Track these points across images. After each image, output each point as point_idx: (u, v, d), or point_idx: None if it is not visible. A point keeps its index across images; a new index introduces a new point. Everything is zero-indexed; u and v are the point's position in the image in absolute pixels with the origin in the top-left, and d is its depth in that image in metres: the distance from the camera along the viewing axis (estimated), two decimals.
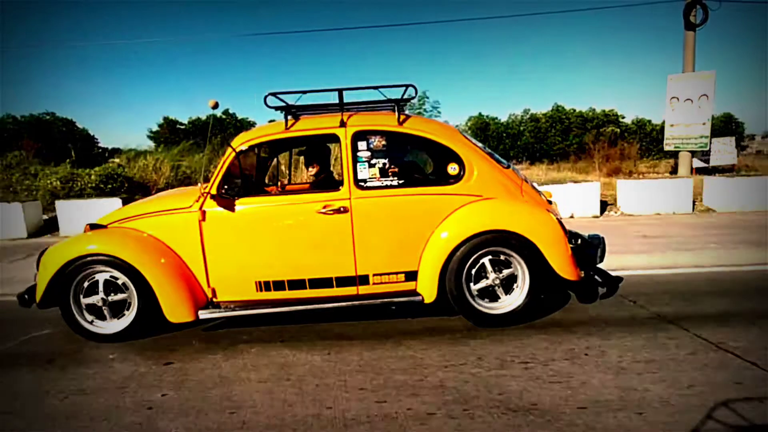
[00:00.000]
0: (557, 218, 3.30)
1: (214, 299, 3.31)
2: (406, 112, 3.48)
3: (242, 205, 3.23)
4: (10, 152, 13.54)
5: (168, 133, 21.45)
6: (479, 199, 3.28)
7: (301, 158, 4.36)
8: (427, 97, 15.62)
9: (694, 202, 8.36)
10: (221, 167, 3.24)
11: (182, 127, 23.29)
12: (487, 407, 2.25)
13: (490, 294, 3.29)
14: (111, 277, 3.20)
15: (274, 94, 3.26)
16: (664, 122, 13.43)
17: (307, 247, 3.23)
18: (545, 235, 3.19)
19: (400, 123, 3.31)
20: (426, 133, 3.35)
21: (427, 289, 3.21)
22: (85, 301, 3.22)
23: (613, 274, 3.80)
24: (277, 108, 3.36)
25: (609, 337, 3.02)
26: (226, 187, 3.22)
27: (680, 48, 12.01)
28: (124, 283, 3.20)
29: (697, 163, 13.03)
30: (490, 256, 3.21)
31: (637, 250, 5.55)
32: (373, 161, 3.26)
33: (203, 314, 3.20)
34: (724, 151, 13.03)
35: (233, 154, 3.22)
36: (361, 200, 3.21)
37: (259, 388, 2.55)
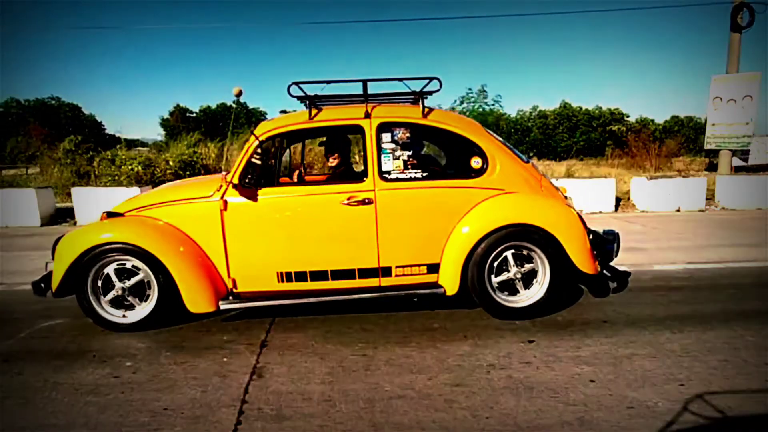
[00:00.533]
0: (577, 213, 3.35)
1: (234, 290, 3.28)
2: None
3: (265, 195, 3.19)
4: (19, 137, 13.02)
5: (179, 122, 21.08)
6: (501, 193, 3.31)
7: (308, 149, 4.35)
8: (485, 90, 15.42)
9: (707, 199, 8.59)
10: (243, 156, 3.20)
11: (192, 115, 22.89)
12: None
13: (509, 287, 3.33)
14: (133, 266, 3.14)
15: (297, 84, 3.22)
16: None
17: (331, 238, 3.22)
18: (567, 230, 3.23)
19: (425, 115, 3.31)
20: (450, 126, 3.35)
21: (450, 281, 3.23)
22: (106, 297, 3.16)
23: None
24: (299, 98, 3.32)
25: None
26: (249, 176, 3.18)
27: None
28: (143, 271, 3.15)
29: (736, 162, 13.16)
30: (513, 250, 3.24)
31: None
32: (398, 153, 3.26)
33: (224, 305, 3.18)
34: (762, 150, 13.28)
35: (256, 143, 3.18)
36: (385, 192, 3.20)
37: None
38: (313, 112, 3.27)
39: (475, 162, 3.33)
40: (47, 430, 2.12)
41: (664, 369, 2.56)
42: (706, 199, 8.52)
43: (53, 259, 3.21)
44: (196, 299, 3.12)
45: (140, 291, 3.21)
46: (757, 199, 8.45)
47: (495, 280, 3.26)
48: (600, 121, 22.28)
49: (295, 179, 4.00)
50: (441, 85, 3.31)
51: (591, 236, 3.45)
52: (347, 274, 3.26)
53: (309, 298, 3.22)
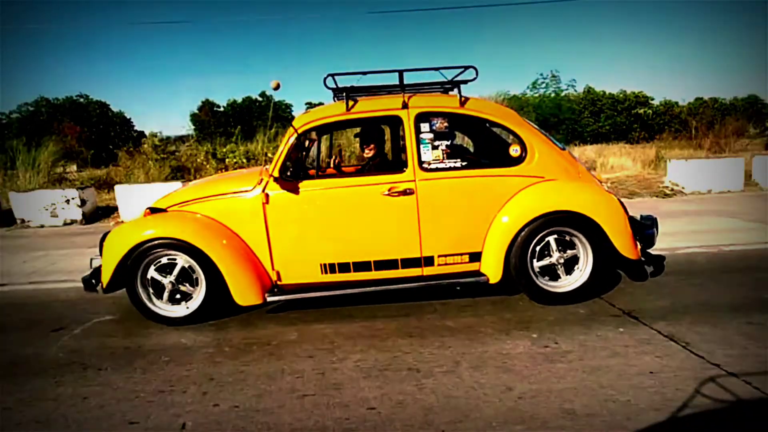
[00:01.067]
0: (618, 198, 3.34)
1: (278, 282, 3.33)
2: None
3: (306, 187, 3.22)
4: (53, 136, 12.98)
5: (210, 117, 21.15)
6: (541, 181, 3.30)
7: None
8: (556, 75, 15.08)
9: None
10: (283, 149, 3.22)
11: (219, 109, 22.94)
12: None
13: (550, 272, 3.34)
14: (181, 261, 3.19)
15: (332, 75, 3.23)
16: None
17: (373, 228, 3.24)
18: (609, 216, 3.22)
19: (462, 104, 3.30)
20: (488, 114, 3.35)
21: (492, 269, 3.25)
22: (154, 275, 3.21)
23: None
24: (335, 89, 3.33)
25: None
26: (291, 169, 3.20)
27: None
28: (191, 267, 3.20)
29: None
30: (555, 235, 3.25)
31: None
32: (436, 143, 3.26)
33: (271, 297, 3.23)
34: None
35: (295, 135, 3.20)
36: (425, 182, 3.22)
37: None
38: (350, 103, 3.27)
39: (514, 150, 3.33)
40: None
41: None
42: None
43: (101, 254, 3.28)
44: (244, 292, 3.17)
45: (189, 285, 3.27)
46: None
47: (537, 264, 3.27)
48: (625, 105, 21.92)
49: (333, 170, 4.02)
50: (477, 74, 3.30)
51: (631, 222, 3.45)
52: (390, 264, 3.29)
53: (353, 289, 3.27)
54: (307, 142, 3.89)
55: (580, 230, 3.22)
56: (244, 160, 9.76)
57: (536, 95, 14.63)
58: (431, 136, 3.25)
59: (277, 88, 3.12)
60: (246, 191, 3.26)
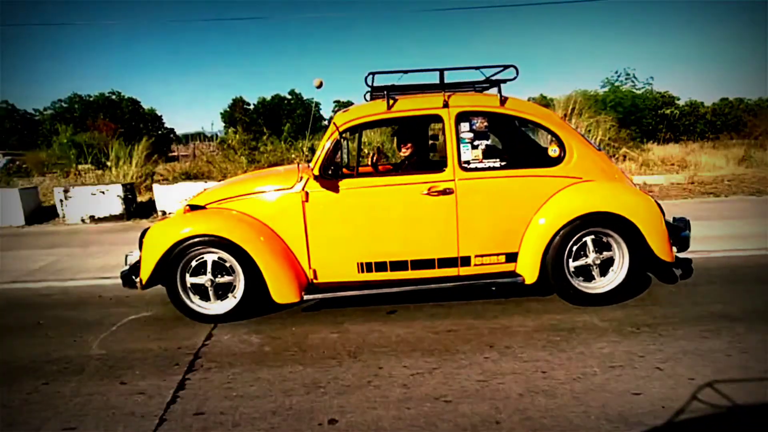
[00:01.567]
0: (655, 200, 3.35)
1: (314, 281, 3.33)
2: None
3: (346, 185, 3.22)
4: (88, 133, 13.17)
5: (243, 114, 21.20)
6: (579, 181, 3.31)
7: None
8: (629, 74, 14.85)
9: None
10: (325, 147, 3.22)
11: (249, 107, 22.98)
12: None
13: (584, 273, 3.35)
14: (219, 258, 3.20)
15: (373, 74, 3.22)
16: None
17: (411, 228, 3.25)
18: (646, 217, 3.23)
19: (502, 104, 3.30)
20: (528, 114, 3.34)
21: (529, 269, 3.26)
22: (191, 280, 3.22)
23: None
24: (375, 88, 3.32)
25: None
26: (332, 168, 3.21)
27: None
28: (230, 265, 3.21)
29: None
30: (592, 236, 3.26)
31: None
32: (476, 142, 3.26)
33: (308, 295, 3.23)
34: None
35: (337, 133, 3.20)
36: (465, 182, 3.22)
37: None
38: (390, 102, 3.27)
39: (553, 150, 3.33)
40: None
41: None
42: None
43: (140, 250, 3.29)
44: (282, 290, 3.18)
45: (226, 283, 3.27)
46: None
47: (572, 264, 3.28)
48: (651, 105, 21.75)
49: (369, 168, 4.02)
50: (518, 73, 3.30)
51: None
52: (427, 263, 3.30)
53: (389, 288, 3.27)
54: (346, 140, 3.89)
55: (618, 231, 3.23)
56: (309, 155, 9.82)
57: (612, 92, 14.42)
58: (471, 135, 3.26)
59: (320, 86, 3.12)
60: (286, 189, 3.26)
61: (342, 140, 4.17)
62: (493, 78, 3.38)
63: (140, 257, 3.28)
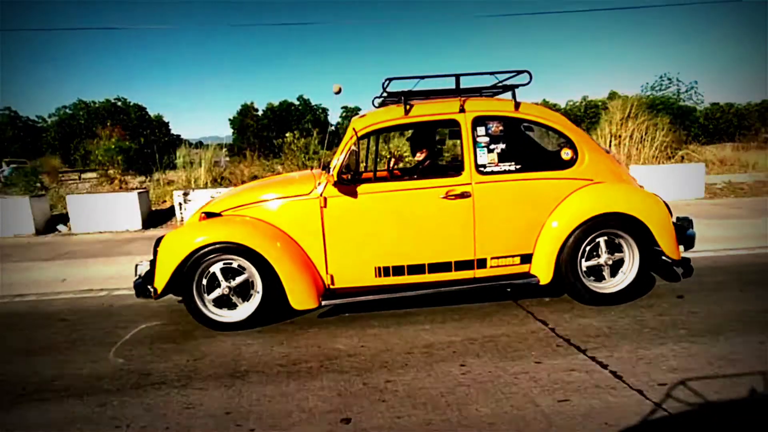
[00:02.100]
0: (663, 201, 3.45)
1: (331, 286, 3.32)
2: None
3: (364, 190, 3.22)
4: (96, 139, 12.93)
5: (252, 121, 20.76)
6: (591, 183, 3.39)
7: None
8: (670, 79, 14.97)
9: None
10: (343, 152, 3.21)
11: (256, 113, 22.49)
12: None
13: (594, 273, 3.43)
14: (238, 266, 3.16)
15: (390, 80, 3.23)
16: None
17: (429, 231, 3.27)
18: (656, 217, 3.33)
19: (516, 108, 3.35)
20: (541, 118, 3.40)
21: (544, 270, 3.32)
22: (210, 296, 3.18)
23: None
24: (392, 93, 3.33)
25: None
26: (351, 173, 3.20)
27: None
28: (250, 276, 3.17)
29: None
30: (606, 237, 3.34)
31: None
32: (492, 146, 3.31)
33: (326, 301, 3.22)
34: None
35: (355, 138, 3.20)
36: (482, 185, 3.26)
37: None
38: (407, 107, 3.28)
39: (566, 153, 3.40)
40: None
41: None
42: None
43: (155, 259, 3.22)
44: (301, 296, 3.15)
45: (243, 291, 3.23)
46: None
47: (585, 264, 3.36)
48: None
49: (385, 173, 4.02)
50: (531, 78, 3.35)
51: None
52: (444, 266, 3.33)
53: (406, 292, 3.28)
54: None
55: (628, 232, 3.32)
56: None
57: (658, 96, 14.61)
58: (487, 139, 3.30)
59: (339, 92, 3.11)
60: (303, 195, 3.24)
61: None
62: (507, 83, 3.43)
63: (154, 266, 3.21)
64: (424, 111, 3.31)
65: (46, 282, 4.75)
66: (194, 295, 3.15)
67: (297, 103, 21.99)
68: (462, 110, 3.27)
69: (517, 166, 3.32)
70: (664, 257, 3.41)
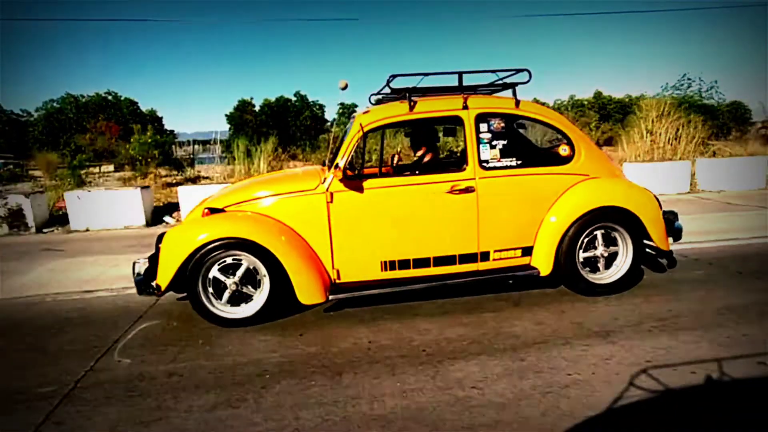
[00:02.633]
0: (654, 195, 3.63)
1: (337, 280, 3.33)
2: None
3: (370, 185, 3.25)
4: (88, 134, 12.52)
5: (252, 117, 20.16)
6: (587, 179, 3.52)
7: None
8: (690, 79, 15.09)
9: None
10: (349, 148, 3.23)
11: (253, 108, 21.85)
12: None
13: (590, 264, 3.57)
14: (249, 263, 3.13)
15: (395, 76, 3.27)
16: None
17: (434, 225, 3.33)
18: (648, 210, 3.49)
19: (516, 106, 3.45)
20: (540, 116, 3.52)
21: (544, 262, 3.43)
22: (214, 273, 3.14)
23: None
24: (396, 90, 3.37)
25: None
26: (356, 170, 3.22)
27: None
28: (254, 268, 3.15)
29: None
30: (602, 231, 3.48)
31: None
32: (494, 142, 3.39)
33: (333, 295, 3.23)
34: None
35: (361, 133, 3.22)
36: (485, 180, 3.34)
37: None
38: (412, 103, 3.33)
39: (563, 150, 3.53)
40: None
41: None
42: None
43: (157, 255, 3.16)
44: (308, 291, 3.15)
45: (247, 286, 3.21)
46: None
47: (582, 255, 3.49)
48: (632, 109, 22.94)
49: (390, 170, 4.05)
50: (530, 76, 3.46)
51: None
52: (448, 260, 3.39)
53: (411, 285, 3.33)
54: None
55: (622, 224, 3.47)
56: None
57: (683, 95, 14.92)
58: (489, 135, 3.38)
59: (345, 88, 3.13)
60: (309, 190, 3.24)
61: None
62: (507, 81, 3.52)
63: (156, 262, 3.15)
64: (428, 107, 3.36)
65: None
66: (200, 291, 3.11)
67: (294, 99, 21.70)
68: (465, 107, 3.34)
69: (518, 162, 3.42)
70: (650, 250, 3.58)
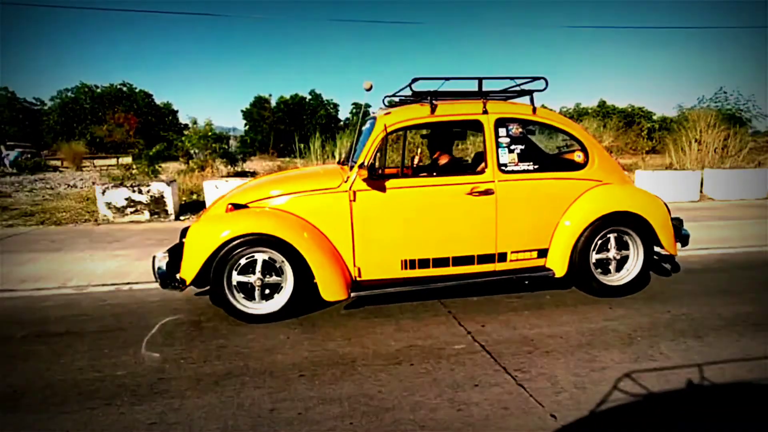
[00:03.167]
0: (663, 201, 3.76)
1: (358, 278, 3.38)
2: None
3: (393, 185, 3.32)
4: (105, 125, 12.51)
5: (271, 113, 20.14)
6: (600, 184, 3.64)
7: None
8: (725, 92, 15.37)
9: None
10: (372, 148, 3.30)
11: (268, 106, 21.85)
12: None
13: (602, 266, 3.67)
14: (270, 258, 3.16)
15: (417, 79, 3.37)
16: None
17: (454, 226, 3.40)
18: (658, 215, 3.62)
19: (534, 112, 3.57)
20: (556, 122, 3.64)
21: (559, 264, 3.52)
22: (238, 278, 3.16)
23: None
24: (419, 93, 3.46)
25: None
26: (380, 170, 3.29)
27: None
28: (280, 267, 3.18)
29: None
30: (615, 234, 3.59)
31: None
32: (512, 147, 3.50)
33: (355, 293, 3.27)
34: None
35: (384, 134, 3.30)
36: (503, 183, 3.43)
37: None
38: (433, 106, 3.43)
39: (578, 156, 3.65)
40: None
41: None
42: None
43: (180, 249, 3.18)
44: (332, 288, 3.19)
45: (273, 283, 3.24)
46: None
47: (595, 256, 3.58)
48: (633, 118, 23.54)
49: (410, 171, 4.12)
50: (547, 84, 3.58)
51: None
52: (467, 260, 3.46)
53: (430, 284, 3.39)
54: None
55: (634, 229, 3.59)
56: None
57: (723, 108, 15.29)
58: (508, 140, 3.49)
59: (370, 89, 3.21)
60: (332, 189, 3.30)
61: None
62: (525, 88, 3.64)
63: (179, 256, 3.17)
64: (449, 111, 3.46)
65: None
66: (224, 286, 3.13)
67: (309, 97, 21.76)
68: (485, 111, 3.45)
69: (535, 166, 3.52)
70: (654, 255, 3.70)
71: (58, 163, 17.88)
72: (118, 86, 21.83)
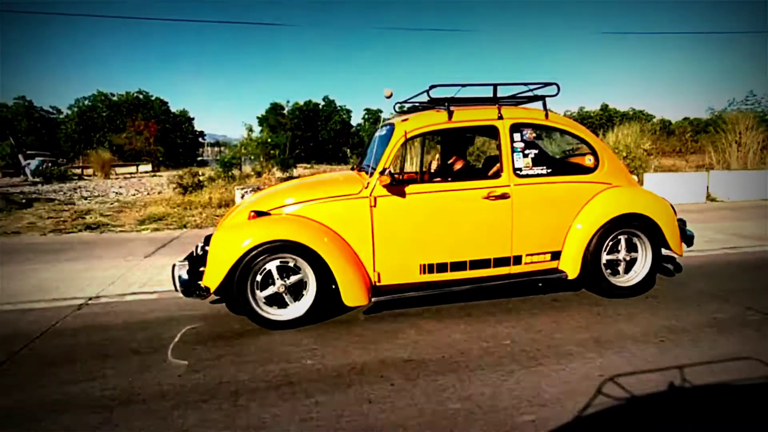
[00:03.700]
0: (670, 203, 3.88)
1: (377, 283, 3.42)
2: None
3: (412, 191, 3.37)
4: (124, 134, 12.56)
5: (284, 119, 20.02)
6: (610, 187, 3.74)
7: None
8: (755, 95, 15.47)
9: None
10: (392, 154, 3.34)
11: (283, 112, 21.68)
12: None
13: (611, 267, 3.77)
14: (295, 265, 3.19)
15: (434, 86, 3.42)
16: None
17: (472, 230, 3.47)
18: (665, 217, 3.74)
19: (546, 117, 3.65)
20: (568, 127, 3.73)
21: (571, 266, 3.61)
22: (264, 294, 3.19)
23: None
24: (436, 100, 3.51)
25: None
26: (398, 176, 3.33)
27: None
28: (293, 264, 3.22)
29: None
30: (625, 236, 3.70)
31: None
32: (526, 151, 3.58)
33: (375, 297, 3.31)
34: None
35: (403, 140, 3.34)
36: (519, 187, 3.51)
37: None
38: (450, 112, 3.48)
39: (589, 159, 3.75)
40: None
41: None
42: None
43: (204, 257, 3.18)
44: (354, 293, 3.23)
45: (295, 289, 3.27)
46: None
47: (605, 257, 3.69)
48: (634, 121, 24.07)
49: (427, 177, 4.18)
50: (559, 90, 3.66)
51: None
52: (484, 263, 3.53)
53: (449, 288, 3.45)
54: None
55: (643, 230, 3.70)
56: None
57: (752, 111, 15.47)
58: (522, 145, 3.56)
59: (390, 96, 3.24)
60: (353, 195, 3.33)
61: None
62: (537, 93, 3.72)
63: (202, 263, 3.17)
64: (465, 117, 3.52)
65: None
66: (248, 294, 3.14)
67: (322, 103, 21.75)
68: (500, 117, 3.52)
69: (549, 170, 3.61)
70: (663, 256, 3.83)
71: (79, 171, 17.71)
72: (135, 94, 21.60)
